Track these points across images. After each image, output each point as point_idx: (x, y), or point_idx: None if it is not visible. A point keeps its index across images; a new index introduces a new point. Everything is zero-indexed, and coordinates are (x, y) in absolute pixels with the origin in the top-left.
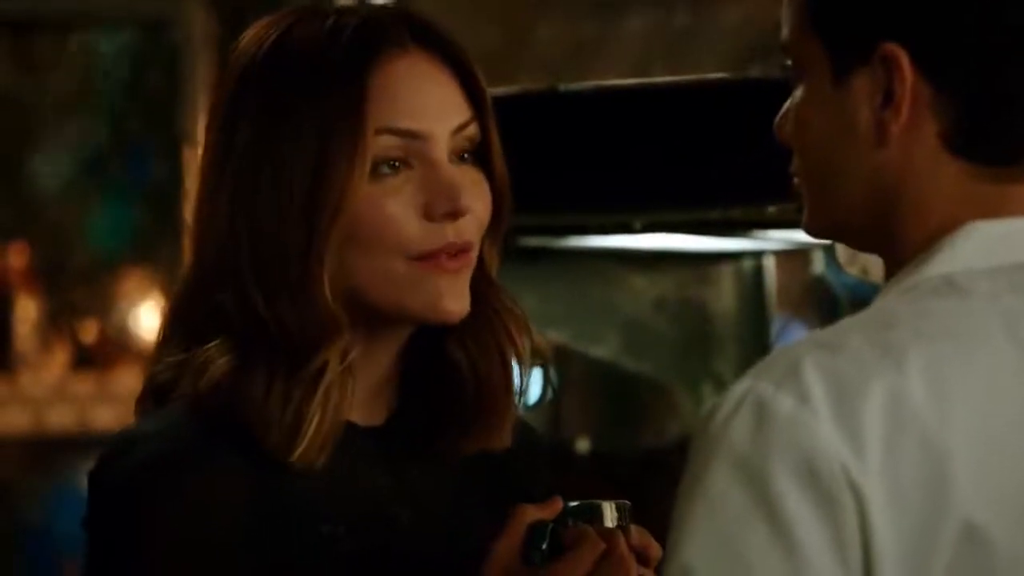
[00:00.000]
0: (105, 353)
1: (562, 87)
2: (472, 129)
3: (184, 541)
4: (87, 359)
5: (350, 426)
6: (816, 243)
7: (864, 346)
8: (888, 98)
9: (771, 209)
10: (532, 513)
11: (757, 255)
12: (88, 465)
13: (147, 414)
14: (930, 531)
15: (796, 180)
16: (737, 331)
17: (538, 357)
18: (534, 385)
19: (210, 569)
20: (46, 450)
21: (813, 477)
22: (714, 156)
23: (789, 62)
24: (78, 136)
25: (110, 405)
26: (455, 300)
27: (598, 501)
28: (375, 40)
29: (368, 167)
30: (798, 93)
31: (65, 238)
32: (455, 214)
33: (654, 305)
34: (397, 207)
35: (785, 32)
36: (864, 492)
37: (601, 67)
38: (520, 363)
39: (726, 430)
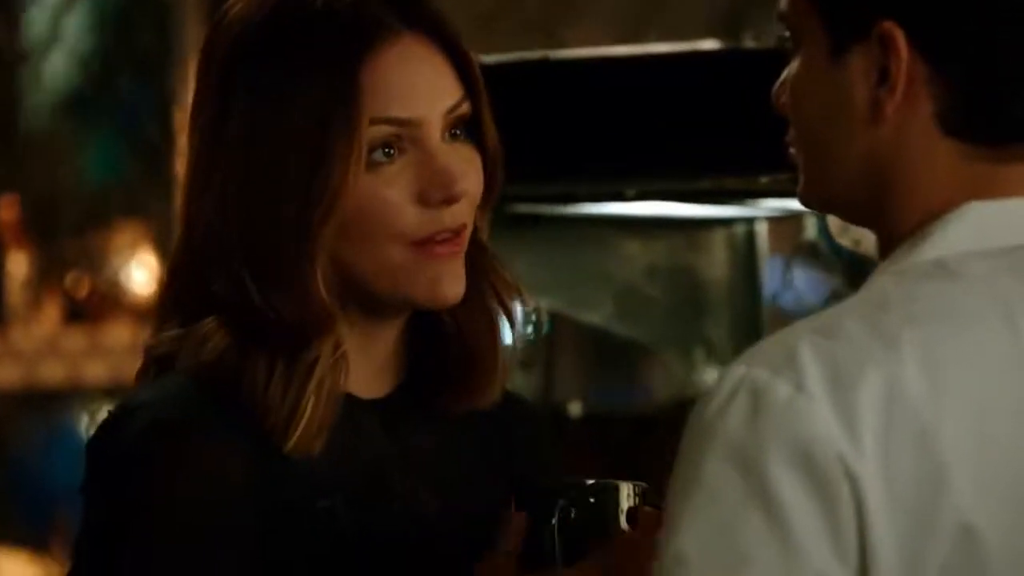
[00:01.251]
0: (96, 307)
1: (553, 55)
2: (464, 108)
3: (186, 507)
4: (78, 313)
5: (352, 399)
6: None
7: (859, 331)
8: (884, 76)
9: (763, 179)
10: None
11: (749, 221)
12: (80, 418)
13: (146, 383)
14: (926, 523)
15: (792, 151)
16: (729, 297)
17: (528, 319)
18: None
19: (210, 536)
20: (38, 403)
21: (810, 465)
22: (707, 126)
23: (786, 32)
24: (68, 92)
25: (101, 359)
26: (452, 284)
27: (616, 481)
28: (364, 28)
29: (364, 159)
30: (795, 65)
31: (56, 192)
32: (450, 200)
33: (647, 271)
34: (393, 195)
35: (783, 3)
36: (860, 480)
37: (592, 31)
38: (511, 325)
39: (722, 417)
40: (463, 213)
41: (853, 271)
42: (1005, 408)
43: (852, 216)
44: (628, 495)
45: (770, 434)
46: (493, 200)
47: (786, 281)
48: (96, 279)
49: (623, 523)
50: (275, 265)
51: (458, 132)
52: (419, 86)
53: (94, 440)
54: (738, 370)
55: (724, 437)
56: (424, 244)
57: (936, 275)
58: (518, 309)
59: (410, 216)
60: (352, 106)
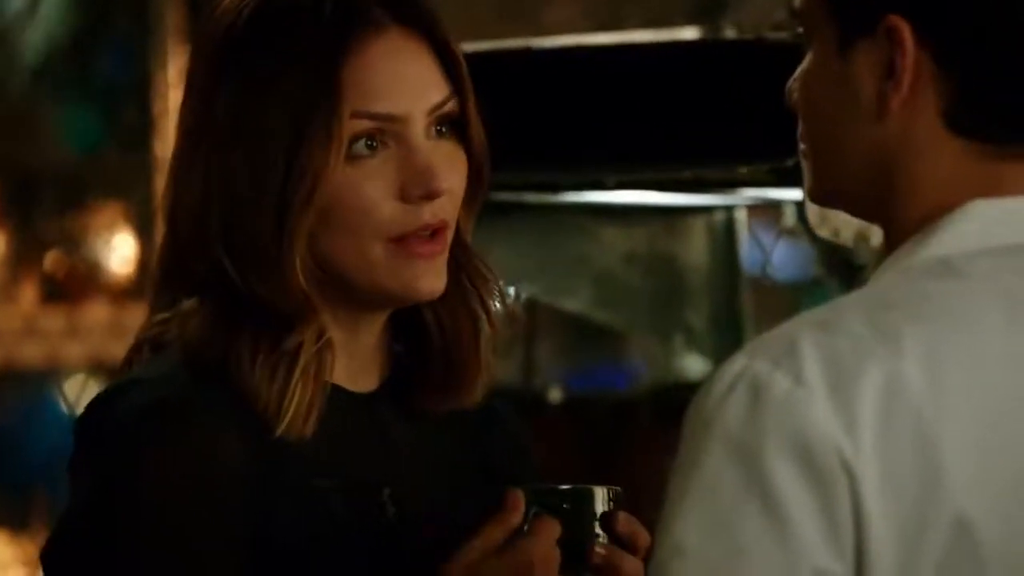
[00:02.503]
0: (75, 287)
1: (535, 44)
2: (450, 105)
3: (180, 486)
4: (57, 293)
5: (342, 392)
6: (788, 198)
7: (861, 327)
8: (890, 70)
9: (743, 169)
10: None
11: (729, 209)
12: (58, 399)
13: (139, 364)
14: (922, 519)
15: (801, 146)
16: (709, 284)
17: (510, 319)
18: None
19: (203, 515)
20: (16, 384)
21: (808, 458)
22: (688, 115)
23: (800, 29)
24: (47, 71)
25: (80, 339)
26: (430, 281)
27: (590, 486)
28: (351, 21)
29: (343, 151)
30: (807, 60)
31: (34, 172)
32: (430, 196)
33: (626, 258)
34: (373, 189)
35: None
36: (858, 475)
37: (571, 17)
38: (492, 326)
39: (721, 409)
40: (444, 210)
41: (832, 260)
42: (1005, 406)
43: (858, 211)
44: (602, 500)
45: (769, 426)
46: (479, 200)
47: (765, 269)
48: (75, 259)
49: (597, 528)
50: (254, 249)
51: (443, 129)
52: (404, 82)
53: (85, 417)
54: (738, 362)
55: (723, 429)
56: (403, 241)
57: (941, 273)
58: (500, 313)
59: (388, 211)
60: (333, 96)
